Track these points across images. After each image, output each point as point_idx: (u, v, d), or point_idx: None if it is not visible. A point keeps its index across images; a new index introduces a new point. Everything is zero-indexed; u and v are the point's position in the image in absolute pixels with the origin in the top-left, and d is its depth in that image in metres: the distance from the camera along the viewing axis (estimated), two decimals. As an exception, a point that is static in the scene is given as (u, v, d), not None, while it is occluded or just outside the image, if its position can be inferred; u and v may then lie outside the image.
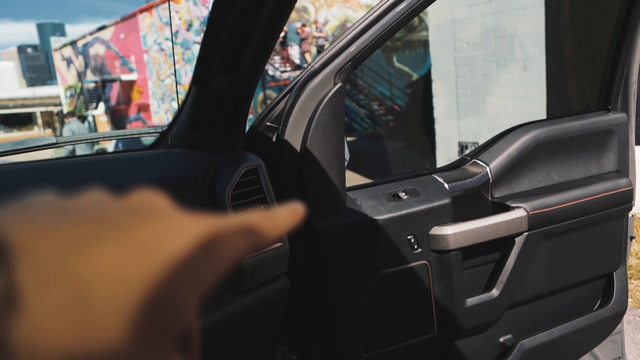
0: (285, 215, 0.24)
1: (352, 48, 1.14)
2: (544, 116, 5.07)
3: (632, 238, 1.64)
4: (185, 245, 0.19)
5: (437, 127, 6.14)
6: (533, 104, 5.28)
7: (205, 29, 0.77)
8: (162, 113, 20.19)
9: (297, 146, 1.15)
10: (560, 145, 1.48)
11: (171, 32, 1.25)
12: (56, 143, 1.17)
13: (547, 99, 5.17)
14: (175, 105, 19.36)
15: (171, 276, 0.19)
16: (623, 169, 1.56)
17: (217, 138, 1.00)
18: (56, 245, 0.18)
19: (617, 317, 1.59)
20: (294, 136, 1.15)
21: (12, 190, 0.85)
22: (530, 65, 5.24)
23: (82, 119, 23.34)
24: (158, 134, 1.21)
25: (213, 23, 0.75)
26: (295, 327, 1.27)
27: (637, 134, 1.66)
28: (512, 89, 5.41)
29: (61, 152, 6.55)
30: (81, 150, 7.15)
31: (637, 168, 1.70)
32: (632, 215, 1.62)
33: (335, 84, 1.16)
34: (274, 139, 1.17)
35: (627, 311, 2.67)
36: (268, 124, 1.19)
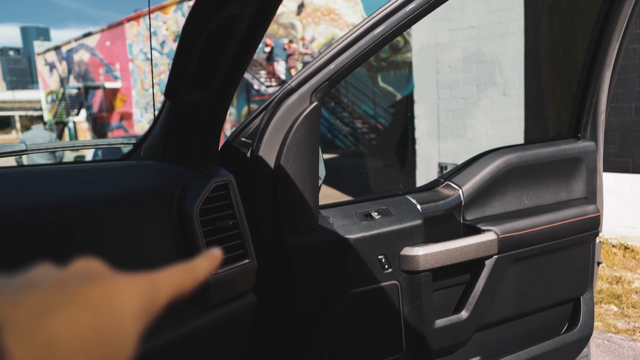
0: (205, 264, 0.31)
1: (330, 67, 1.16)
2: (522, 140, 5.18)
3: (599, 263, 1.68)
4: (127, 298, 0.26)
5: (417, 147, 6.22)
6: (511, 127, 5.40)
7: (178, 41, 0.77)
8: (144, 122, 20.02)
9: (271, 163, 1.16)
10: (532, 170, 1.52)
11: (150, 40, 1.25)
12: (25, 150, 1.15)
13: (525, 123, 5.29)
14: (158, 115, 19.22)
15: (119, 324, 0.25)
16: (591, 195, 1.60)
17: (190, 152, 1.00)
18: (32, 315, 0.22)
19: (583, 341, 1.61)
20: (268, 153, 1.15)
21: None
22: (510, 90, 5.37)
23: (62, 124, 23.01)
24: (132, 145, 1.21)
25: (187, 36, 0.75)
26: (264, 343, 1.26)
27: (606, 161, 1.70)
28: (491, 112, 5.53)
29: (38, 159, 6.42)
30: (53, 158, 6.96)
31: (604, 195, 1.74)
32: (600, 241, 1.66)
33: (311, 103, 1.17)
34: (248, 154, 1.17)
35: (596, 335, 2.71)
36: (243, 139, 1.20)
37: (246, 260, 0.97)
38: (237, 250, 0.96)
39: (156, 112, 1.18)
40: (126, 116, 20.93)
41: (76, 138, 22.23)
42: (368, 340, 1.30)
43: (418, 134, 6.21)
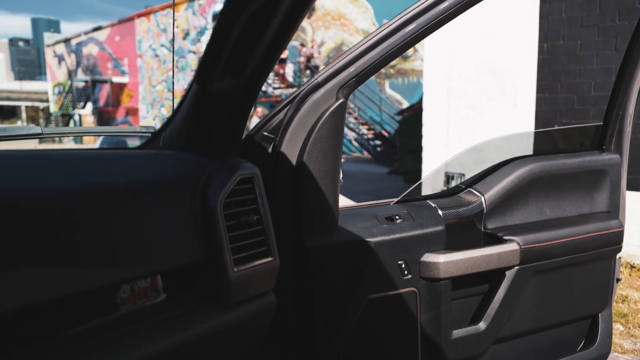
0: None
1: (358, 64, 1.12)
2: (530, 152, 5.14)
3: (618, 280, 1.63)
4: None
5: (424, 155, 6.18)
6: (520, 139, 5.35)
7: (215, 23, 0.74)
8: (150, 118, 20.05)
9: (293, 159, 1.12)
10: (555, 181, 1.48)
11: (173, 39, 1.21)
12: (41, 134, 1.11)
13: (535, 135, 5.25)
14: (164, 112, 19.29)
15: None
16: (614, 209, 1.56)
17: (213, 142, 0.96)
18: None
19: (601, 359, 1.57)
20: (290, 148, 1.11)
21: None
22: (520, 101, 5.34)
23: (68, 117, 23.06)
24: (150, 134, 1.17)
25: (225, 19, 0.72)
26: (278, 346, 1.22)
27: (630, 178, 1.66)
28: (501, 123, 5.50)
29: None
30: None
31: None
32: (619, 257, 1.62)
33: (337, 99, 1.13)
34: (269, 149, 1.14)
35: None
36: (265, 133, 1.16)
37: (269, 259, 0.93)
38: (259, 248, 0.92)
39: (174, 105, 1.14)
40: (132, 111, 20.98)
41: (81, 131, 22.24)
42: (383, 347, 1.26)
43: (425, 142, 6.18)
